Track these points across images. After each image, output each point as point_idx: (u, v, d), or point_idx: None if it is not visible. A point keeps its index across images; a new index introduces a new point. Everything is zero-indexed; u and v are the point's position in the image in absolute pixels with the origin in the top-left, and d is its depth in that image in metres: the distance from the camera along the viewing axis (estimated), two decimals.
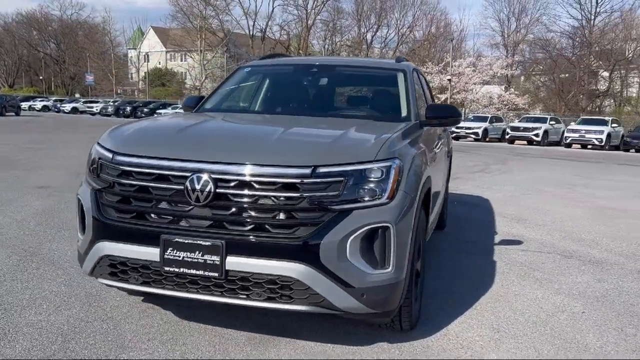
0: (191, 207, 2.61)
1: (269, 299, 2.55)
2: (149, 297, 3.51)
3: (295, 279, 2.49)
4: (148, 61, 68.85)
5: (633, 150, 26.66)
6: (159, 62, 74.04)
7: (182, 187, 2.61)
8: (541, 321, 3.40)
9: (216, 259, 2.52)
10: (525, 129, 28.76)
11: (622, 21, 43.61)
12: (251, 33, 65.55)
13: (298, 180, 2.52)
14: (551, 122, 29.60)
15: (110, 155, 2.84)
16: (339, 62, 4.84)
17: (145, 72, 69.35)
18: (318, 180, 2.53)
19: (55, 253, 4.45)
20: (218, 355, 2.80)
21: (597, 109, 42.15)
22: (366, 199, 2.57)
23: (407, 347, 2.96)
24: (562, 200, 8.68)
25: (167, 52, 75.27)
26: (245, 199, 2.56)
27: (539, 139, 28.23)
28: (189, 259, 2.56)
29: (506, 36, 53.72)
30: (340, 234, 2.50)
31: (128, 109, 46.84)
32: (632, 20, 44.48)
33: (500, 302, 3.69)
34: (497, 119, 32.55)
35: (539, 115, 33.26)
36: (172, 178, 2.65)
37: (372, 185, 2.59)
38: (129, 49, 79.13)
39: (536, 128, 28.43)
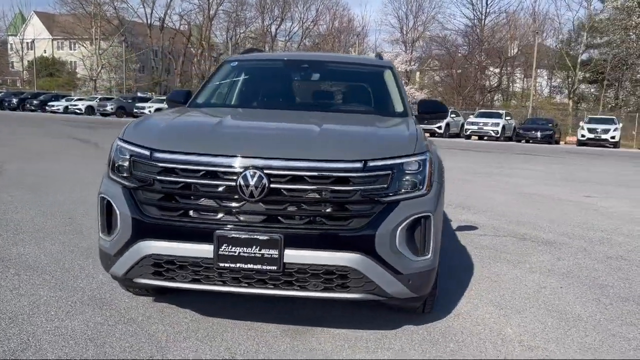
0: (243, 202, 2.62)
1: (325, 289, 2.65)
2: (160, 297, 3.44)
3: (352, 268, 2.60)
4: (34, 49, 63.67)
5: (524, 141, 29.17)
6: (45, 51, 68.78)
7: (233, 183, 2.61)
8: (532, 297, 3.77)
9: (274, 252, 2.57)
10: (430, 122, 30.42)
11: (507, 22, 47.30)
12: (149, 22, 62.97)
13: (350, 174, 2.63)
14: (452, 115, 31.53)
15: (147, 152, 2.77)
16: (328, 58, 4.95)
17: (30, 61, 64.18)
18: (368, 173, 2.65)
19: (27, 258, 4.17)
20: (263, 348, 2.84)
21: (489, 103, 45.41)
22: (409, 190, 2.74)
23: (431, 328, 3.18)
24: (490, 188, 9.41)
25: (54, 39, 70.15)
26: (300, 194, 2.62)
27: (441, 131, 29.98)
28: (246, 254, 2.59)
29: (405, 33, 56.17)
30: (391, 224, 2.64)
31: (14, 100, 43.14)
32: (516, 21, 48.39)
33: (489, 282, 4.03)
34: None
35: None
36: (222, 174, 2.65)
37: (413, 177, 2.76)
38: (9, 35, 72.72)
39: (439, 121, 30.15)
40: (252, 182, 2.59)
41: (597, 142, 27.96)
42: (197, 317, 3.19)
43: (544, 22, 48.56)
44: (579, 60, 43.74)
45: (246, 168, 2.61)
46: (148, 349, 2.77)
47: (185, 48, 63.20)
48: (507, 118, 31.23)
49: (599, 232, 6.04)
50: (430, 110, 3.99)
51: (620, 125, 28.91)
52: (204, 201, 2.68)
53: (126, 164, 2.84)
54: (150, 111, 37.21)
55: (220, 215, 2.66)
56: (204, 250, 2.62)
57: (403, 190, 2.72)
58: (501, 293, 3.82)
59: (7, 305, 3.26)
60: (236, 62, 4.45)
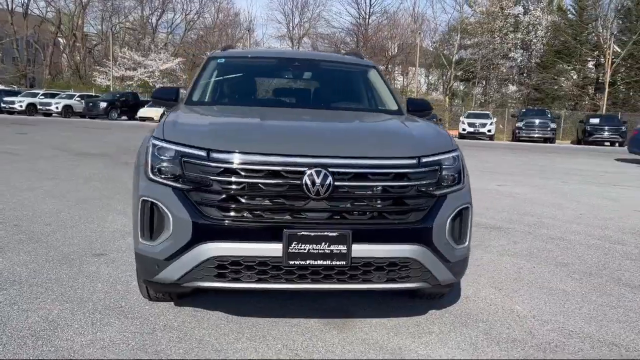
0: (308, 200, 2.67)
1: (388, 281, 2.78)
2: (181, 302, 3.34)
3: (413, 259, 2.76)
4: None
5: None
6: None
7: (298, 182, 2.64)
8: (517, 277, 4.17)
9: (343, 248, 2.65)
10: None
11: (389, 22, 49.76)
12: (10, 7, 57.23)
13: (407, 170, 2.79)
14: None
15: (202, 153, 2.70)
16: (318, 57, 4.97)
17: None
18: (423, 169, 2.83)
19: (15, 272, 3.80)
20: (318, 342, 2.89)
21: None
22: (452, 184, 2.95)
23: (453, 311, 3.43)
24: None
25: None
26: (363, 190, 2.72)
27: None
28: (315, 251, 2.64)
29: (291, 29, 56.77)
30: (444, 216, 2.84)
31: None
32: (397, 21, 51.05)
33: (474, 267, 4.37)
34: None
35: None
36: (286, 174, 2.66)
37: (454, 171, 2.98)
38: None
39: None
40: (318, 181, 2.64)
41: (476, 135, 30.49)
42: (232, 318, 3.15)
43: (423, 24, 51.76)
44: (453, 60, 47.17)
45: (311, 167, 2.66)
46: (207, 353, 2.72)
47: (54, 38, 58.41)
48: None
49: (530, 216, 6.73)
50: (420, 108, 4.23)
51: (495, 119, 31.78)
52: (268, 200, 2.68)
53: (173, 165, 2.75)
54: (21, 106, 34.05)
55: (286, 213, 2.67)
56: (273, 249, 2.63)
57: (448, 183, 2.93)
58: (491, 276, 4.18)
59: (18, 322, 2.98)
60: (224, 59, 4.37)
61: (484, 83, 49.80)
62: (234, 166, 2.67)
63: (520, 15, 46.07)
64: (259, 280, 2.69)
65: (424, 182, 2.82)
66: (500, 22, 45.30)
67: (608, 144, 29.61)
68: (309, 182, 2.64)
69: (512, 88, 48.98)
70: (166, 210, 2.70)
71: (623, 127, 28.99)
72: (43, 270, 3.85)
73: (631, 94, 42.30)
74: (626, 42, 40.35)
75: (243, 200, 2.67)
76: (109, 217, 5.62)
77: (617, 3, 42.32)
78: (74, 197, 6.69)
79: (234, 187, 2.67)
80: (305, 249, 2.63)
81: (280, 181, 2.67)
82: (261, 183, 2.67)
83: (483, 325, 3.21)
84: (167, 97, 4.03)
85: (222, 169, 2.67)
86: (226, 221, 2.64)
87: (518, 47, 46.25)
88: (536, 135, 29.97)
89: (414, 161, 2.81)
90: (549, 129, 30.01)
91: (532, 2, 46.54)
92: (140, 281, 3.20)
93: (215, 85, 4.21)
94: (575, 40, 42.85)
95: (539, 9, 45.30)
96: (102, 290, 3.51)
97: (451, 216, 2.88)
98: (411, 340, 2.98)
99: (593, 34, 43.11)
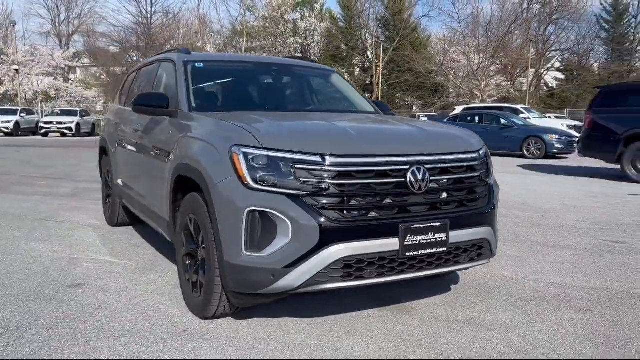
0: (410, 195, 2.91)
1: (470, 260, 3.17)
2: (245, 314, 3.24)
3: (486, 239, 3.21)
4: None
5: None
6: None
7: (402, 179, 2.88)
8: (519, 259, 4.84)
9: (443, 236, 2.96)
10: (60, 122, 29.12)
11: (173, 21, 48.54)
12: None
13: (474, 163, 3.22)
14: (81, 114, 31.04)
15: (317, 158, 2.75)
16: (289, 62, 4.91)
17: None
18: (481, 160, 3.28)
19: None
20: (399, 327, 3.14)
21: None
22: (490, 173, 3.46)
23: (472, 284, 3.93)
24: None
25: None
26: (448, 183, 3.07)
27: (72, 132, 29.05)
28: (424, 241, 2.90)
29: (57, 25, 51.35)
30: (496, 200, 3.34)
31: None
32: (179, 22, 50.07)
33: None
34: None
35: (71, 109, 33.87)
36: (392, 173, 2.87)
37: (489, 162, 3.49)
38: None
39: (69, 122, 29.12)
40: (419, 177, 2.91)
41: None
42: (296, 320, 3.20)
43: (209, 25, 51.71)
44: None
45: (411, 164, 2.91)
46: (329, 354, 2.77)
47: None
48: None
49: None
50: (384, 110, 4.65)
51: None
52: (379, 199, 2.84)
53: (281, 172, 2.74)
54: None
55: (396, 209, 2.87)
56: (391, 243, 2.81)
57: (490, 172, 3.43)
58: None
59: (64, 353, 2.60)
60: (202, 64, 4.16)
61: None
62: (349, 169, 2.78)
63: (298, 21, 49.25)
64: (378, 275, 2.84)
65: (482, 172, 3.28)
66: (282, 27, 47.87)
67: None
68: (412, 179, 2.89)
69: None
70: (283, 217, 2.67)
71: None
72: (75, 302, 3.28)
73: (395, 93, 48.53)
74: (387, 48, 46.21)
75: (359, 201, 2.79)
76: None
77: (376, 13, 48.15)
78: None
79: (349, 188, 2.77)
80: (417, 241, 2.87)
81: (388, 180, 2.86)
82: (372, 183, 2.82)
83: (505, 292, 3.77)
84: (157, 104, 3.75)
85: (337, 173, 2.76)
86: (348, 222, 2.73)
87: (298, 51, 49.40)
88: None
89: (476, 154, 3.25)
90: None
91: (307, 9, 50.12)
92: (199, 297, 3.12)
93: (213, 91, 4.04)
94: (347, 46, 47.54)
95: (313, 16, 49.05)
96: (145, 315, 3.18)
97: (497, 199, 3.39)
98: (468, 311, 3.41)
99: (360, 41, 48.36)
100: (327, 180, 2.74)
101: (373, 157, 2.86)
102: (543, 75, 49.17)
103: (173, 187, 3.44)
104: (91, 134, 30.85)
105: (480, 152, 3.30)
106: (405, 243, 2.84)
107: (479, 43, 43.74)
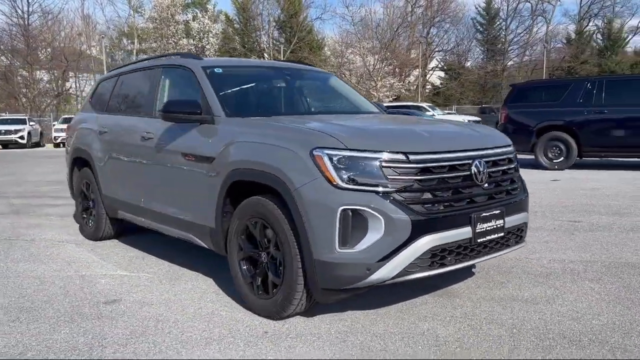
0: (474, 187, 3.19)
1: (516, 243, 3.52)
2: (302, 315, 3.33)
3: (526, 223, 3.58)
4: None
5: None
6: None
7: (468, 172, 3.15)
8: None
9: (501, 222, 3.28)
10: (8, 132, 26.92)
11: (53, 23, 45.24)
12: None
13: (511, 155, 3.58)
14: (31, 124, 28.79)
15: (402, 156, 2.93)
16: (300, 67, 4.92)
17: None
18: (515, 154, 3.65)
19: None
20: (458, 310, 3.41)
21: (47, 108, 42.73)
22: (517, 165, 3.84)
23: (492, 268, 4.29)
24: None
25: None
26: (498, 174, 3.39)
27: (24, 141, 27.02)
28: (490, 228, 3.19)
29: None
30: (526, 188, 3.73)
31: None
32: (60, 22, 46.81)
33: None
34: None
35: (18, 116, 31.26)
36: (460, 167, 3.13)
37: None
38: None
39: (20, 130, 27.06)
40: (481, 169, 3.20)
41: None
42: (367, 313, 3.36)
43: (94, 26, 48.75)
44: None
45: (474, 159, 3.20)
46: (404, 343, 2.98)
47: None
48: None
49: None
50: (385, 109, 4.92)
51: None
52: (452, 191, 3.08)
53: (369, 171, 2.90)
54: None
55: (465, 200, 3.13)
56: (466, 232, 3.07)
57: (518, 164, 3.81)
58: None
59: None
60: (220, 69, 4.13)
61: None
62: (428, 165, 3.00)
63: (190, 22, 48.07)
64: (457, 261, 3.09)
65: (515, 164, 3.64)
66: (173, 28, 46.47)
67: None
68: (476, 172, 3.17)
69: None
70: (376, 214, 2.82)
71: None
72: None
73: None
74: (285, 50, 46.68)
75: (437, 194, 3.01)
76: None
77: (272, 15, 48.44)
78: None
79: (429, 183, 3.00)
80: (484, 228, 3.16)
81: (458, 174, 3.12)
82: (446, 177, 3.07)
83: (526, 275, 4.16)
84: (190, 111, 3.71)
85: (419, 169, 2.96)
86: (432, 214, 2.95)
87: (192, 52, 48.26)
88: None
89: (511, 148, 3.61)
90: None
91: (199, 10, 49.10)
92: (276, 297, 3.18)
93: (239, 96, 4.04)
94: (244, 47, 47.32)
95: (207, 17, 48.17)
96: (221, 319, 3.15)
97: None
98: (504, 289, 3.76)
99: (256, 43, 48.38)
100: (411, 177, 2.93)
101: (446, 153, 3.10)
102: (428, 75, 52.45)
103: (225, 193, 3.44)
104: (38, 144, 29.04)
105: (512, 147, 3.67)
106: (477, 230, 3.11)
107: (373, 45, 45.59)
